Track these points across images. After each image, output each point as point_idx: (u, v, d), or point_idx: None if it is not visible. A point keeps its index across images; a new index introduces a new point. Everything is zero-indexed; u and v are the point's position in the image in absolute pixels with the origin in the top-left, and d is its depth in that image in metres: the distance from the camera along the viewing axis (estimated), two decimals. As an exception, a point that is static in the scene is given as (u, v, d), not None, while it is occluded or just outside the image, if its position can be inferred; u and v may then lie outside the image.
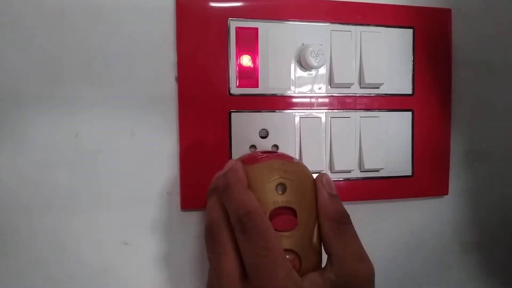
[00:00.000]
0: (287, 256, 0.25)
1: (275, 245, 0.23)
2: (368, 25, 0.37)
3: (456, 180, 0.41)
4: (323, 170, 0.36)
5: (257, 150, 0.31)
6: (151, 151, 0.34)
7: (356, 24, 0.36)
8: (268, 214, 0.25)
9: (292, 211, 0.25)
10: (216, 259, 0.25)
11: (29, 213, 0.32)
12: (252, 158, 0.29)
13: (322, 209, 0.27)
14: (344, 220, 0.27)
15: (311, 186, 0.27)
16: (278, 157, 0.28)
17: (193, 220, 0.35)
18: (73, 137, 0.33)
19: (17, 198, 0.32)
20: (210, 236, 0.26)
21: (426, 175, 0.39)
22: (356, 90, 0.37)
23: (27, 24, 0.32)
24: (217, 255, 0.25)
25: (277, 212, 0.25)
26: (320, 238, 0.27)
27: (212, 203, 0.27)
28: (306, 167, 0.29)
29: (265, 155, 0.28)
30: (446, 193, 0.40)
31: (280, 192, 0.25)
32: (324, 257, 0.28)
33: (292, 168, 0.27)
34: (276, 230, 0.25)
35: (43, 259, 0.33)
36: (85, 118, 0.33)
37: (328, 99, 0.36)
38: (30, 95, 0.32)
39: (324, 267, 0.26)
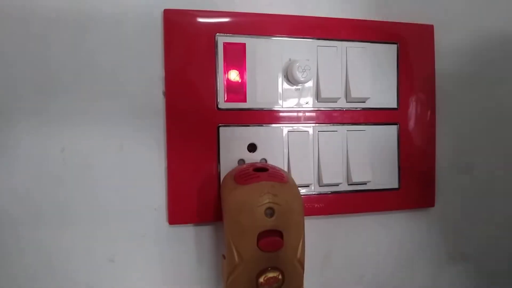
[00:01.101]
0: (273, 274, 0.27)
1: None
2: (353, 40, 0.37)
3: (442, 192, 0.41)
4: (311, 184, 0.36)
5: (248, 165, 0.31)
6: (138, 166, 0.34)
7: (341, 40, 0.37)
8: (256, 236, 0.26)
9: (279, 233, 0.27)
10: None
11: (16, 229, 0.32)
12: (244, 177, 0.29)
13: None
14: None
15: (298, 206, 0.29)
16: (269, 178, 0.29)
17: (181, 236, 0.35)
18: (59, 152, 0.32)
19: (4, 213, 0.32)
20: None
21: (412, 188, 0.40)
22: (342, 104, 0.37)
23: (14, 38, 0.31)
24: None
25: (265, 234, 0.27)
26: (303, 253, 0.29)
27: None
28: (295, 186, 0.30)
29: (256, 174, 0.29)
30: (433, 205, 0.41)
31: (268, 216, 0.27)
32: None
33: (282, 191, 0.28)
34: (263, 251, 0.26)
35: (29, 274, 0.32)
36: (72, 132, 0.33)
37: (315, 113, 0.37)
38: (17, 109, 0.32)
39: None
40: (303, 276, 0.30)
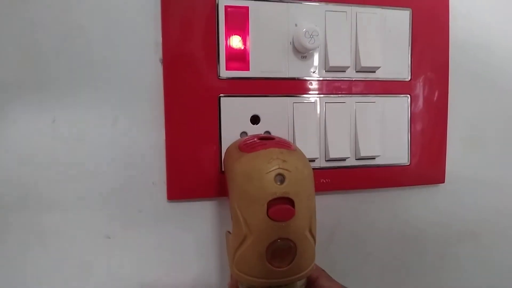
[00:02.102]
0: (285, 246, 0.25)
1: None
2: (364, 5, 0.35)
3: (452, 168, 0.40)
4: (317, 158, 0.35)
5: (252, 135, 0.30)
6: (135, 139, 0.32)
7: (351, 5, 0.35)
8: (266, 204, 0.24)
9: (290, 201, 0.25)
10: None
11: (6, 206, 0.30)
12: (250, 145, 0.27)
13: None
14: None
15: (308, 175, 0.27)
16: (277, 145, 0.27)
17: (181, 212, 0.33)
18: (50, 124, 0.31)
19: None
20: None
21: (422, 163, 0.38)
22: (351, 74, 0.35)
23: (-3, 0, 0.29)
24: None
25: (275, 202, 0.24)
26: (315, 224, 0.27)
27: None
28: (303, 154, 0.28)
29: (263, 142, 0.27)
30: (443, 181, 0.39)
31: (278, 183, 0.25)
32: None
33: (291, 157, 0.26)
34: (273, 220, 0.24)
35: (21, 255, 0.31)
36: (62, 103, 0.31)
37: (322, 83, 0.35)
38: (2, 78, 0.29)
39: None
40: (315, 249, 0.28)
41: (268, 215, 0.24)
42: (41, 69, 0.30)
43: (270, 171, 0.25)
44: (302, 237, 0.26)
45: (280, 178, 0.25)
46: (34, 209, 0.31)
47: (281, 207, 0.24)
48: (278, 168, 0.25)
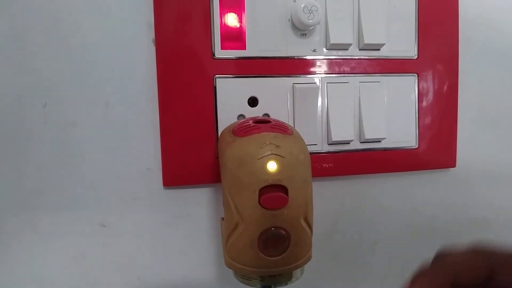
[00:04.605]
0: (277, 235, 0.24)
1: None
2: (367, -21, 0.33)
3: (463, 151, 0.38)
4: (319, 141, 0.33)
5: (249, 118, 0.29)
6: (128, 123, 0.31)
7: (353, -22, 0.33)
8: (257, 191, 0.24)
9: (283, 189, 0.24)
10: None
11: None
12: (244, 129, 0.26)
13: None
14: None
15: (304, 160, 0.26)
16: (271, 129, 0.26)
17: (177, 198, 0.32)
18: (41, 109, 0.30)
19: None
20: None
21: (431, 146, 0.36)
22: (354, 52, 0.33)
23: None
24: None
25: (267, 190, 0.24)
26: (311, 212, 0.26)
27: None
28: (300, 139, 0.27)
29: (257, 126, 0.26)
30: (454, 165, 0.37)
31: (271, 170, 0.24)
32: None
33: (285, 142, 0.25)
34: (265, 208, 0.24)
35: (14, 245, 0.30)
36: (53, 86, 0.30)
37: (323, 62, 0.33)
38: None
39: None
40: (311, 239, 0.27)
41: (259, 203, 0.24)
42: (30, 53, 0.29)
43: (262, 157, 0.24)
44: (297, 226, 0.25)
45: (273, 164, 0.24)
46: (26, 196, 0.30)
47: (274, 194, 0.24)
48: (271, 154, 0.24)
